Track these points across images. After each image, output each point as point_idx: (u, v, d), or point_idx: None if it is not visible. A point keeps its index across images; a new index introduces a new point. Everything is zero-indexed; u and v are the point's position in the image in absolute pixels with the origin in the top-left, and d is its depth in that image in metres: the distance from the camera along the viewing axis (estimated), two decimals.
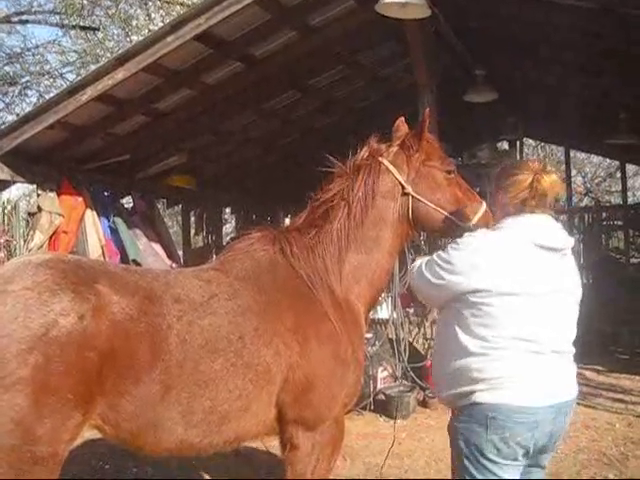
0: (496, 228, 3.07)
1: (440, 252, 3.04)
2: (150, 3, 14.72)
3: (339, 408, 3.40)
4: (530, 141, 18.99)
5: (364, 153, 3.56)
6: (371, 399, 7.21)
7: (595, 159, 21.99)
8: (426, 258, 3.16)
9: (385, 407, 7.22)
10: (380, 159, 3.51)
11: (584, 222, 13.85)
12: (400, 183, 3.45)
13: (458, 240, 3.00)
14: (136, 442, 3.01)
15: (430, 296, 3.19)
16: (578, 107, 10.22)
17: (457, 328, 2.92)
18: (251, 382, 3.09)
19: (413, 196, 3.44)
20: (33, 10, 17.04)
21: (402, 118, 3.63)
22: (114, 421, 2.89)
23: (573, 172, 16.89)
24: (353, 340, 3.41)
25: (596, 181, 23.30)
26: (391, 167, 3.46)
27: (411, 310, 8.42)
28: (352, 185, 3.50)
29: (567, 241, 3.03)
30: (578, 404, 7.56)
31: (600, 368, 9.01)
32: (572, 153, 15.74)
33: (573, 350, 3.03)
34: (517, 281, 2.84)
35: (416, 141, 3.48)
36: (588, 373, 8.62)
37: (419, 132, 3.48)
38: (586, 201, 21.10)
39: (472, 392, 2.86)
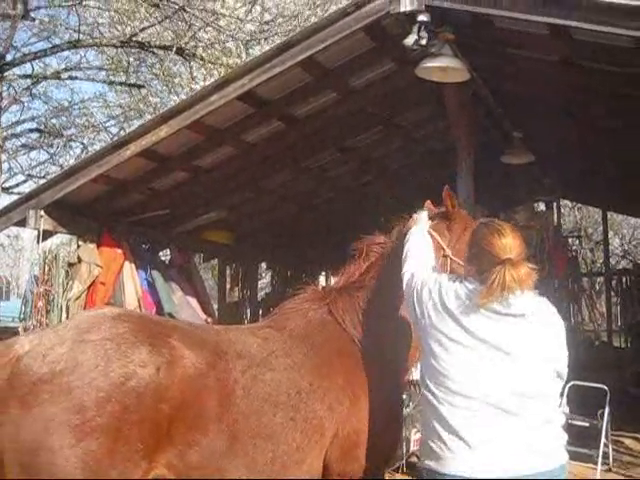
0: (462, 280, 2.97)
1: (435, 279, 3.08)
2: (193, 63, 15.11)
3: (382, 465, 3.59)
4: (567, 202, 18.93)
5: (410, 222, 3.78)
6: (404, 461, 7.09)
7: (633, 220, 21.85)
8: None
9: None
10: None
11: (622, 284, 13.66)
12: (442, 246, 3.63)
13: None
14: None
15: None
16: (616, 169, 10.19)
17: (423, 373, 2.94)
18: (307, 436, 3.22)
19: (451, 258, 3.61)
20: (82, 66, 17.62)
21: (447, 187, 3.76)
22: (180, 470, 2.98)
23: (610, 234, 16.76)
24: (396, 399, 3.66)
25: (634, 243, 23.08)
26: (434, 232, 3.66)
27: None
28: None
29: (526, 306, 2.79)
30: (619, 473, 7.34)
31: None
32: (609, 214, 15.64)
33: (532, 416, 2.71)
34: (460, 328, 2.78)
35: (453, 215, 3.72)
36: (628, 441, 8.40)
37: (450, 207, 3.71)
38: (623, 263, 20.87)
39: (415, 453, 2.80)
